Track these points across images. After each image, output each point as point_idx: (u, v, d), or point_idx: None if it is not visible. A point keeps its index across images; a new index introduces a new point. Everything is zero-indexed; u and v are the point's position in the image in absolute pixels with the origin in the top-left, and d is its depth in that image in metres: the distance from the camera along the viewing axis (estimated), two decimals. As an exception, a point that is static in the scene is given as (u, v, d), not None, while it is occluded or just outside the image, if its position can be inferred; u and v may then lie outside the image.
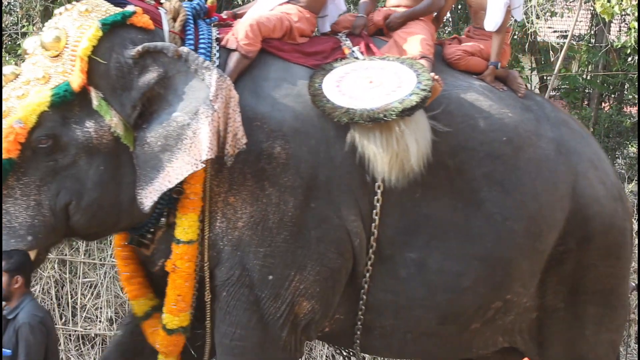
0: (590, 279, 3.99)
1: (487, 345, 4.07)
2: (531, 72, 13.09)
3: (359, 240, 3.68)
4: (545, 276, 3.95)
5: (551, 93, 12.10)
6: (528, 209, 3.80)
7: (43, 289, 7.62)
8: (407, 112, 3.51)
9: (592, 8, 11.47)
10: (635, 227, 9.03)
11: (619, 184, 4.22)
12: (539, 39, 12.54)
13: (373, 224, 3.69)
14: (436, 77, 3.70)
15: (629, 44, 9.69)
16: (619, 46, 10.23)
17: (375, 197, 3.66)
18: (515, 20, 10.88)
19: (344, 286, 3.79)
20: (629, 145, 13.50)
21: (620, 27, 12.95)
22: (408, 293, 3.78)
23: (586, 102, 13.51)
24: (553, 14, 11.35)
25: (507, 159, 3.81)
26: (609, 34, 12.16)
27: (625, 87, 13.23)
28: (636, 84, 12.60)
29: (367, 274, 3.75)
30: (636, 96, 13.07)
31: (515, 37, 11.66)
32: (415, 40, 3.97)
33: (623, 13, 10.01)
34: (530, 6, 10.40)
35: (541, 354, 4.11)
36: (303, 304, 3.64)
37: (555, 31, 13.38)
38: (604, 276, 4.02)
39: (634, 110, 13.69)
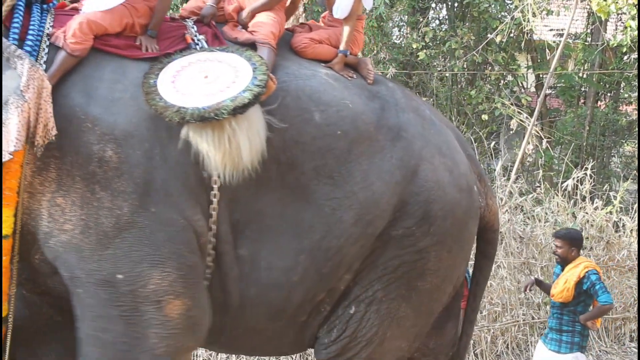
0: (418, 268, 3.87)
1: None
2: (527, 71, 13.08)
3: (205, 238, 3.62)
4: (378, 260, 3.85)
5: (547, 91, 12.11)
6: (358, 198, 3.72)
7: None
8: (239, 110, 3.44)
9: (588, 6, 11.50)
10: (636, 225, 9.09)
11: (470, 177, 4.08)
12: (535, 37, 12.55)
13: (211, 219, 3.61)
14: (271, 75, 3.62)
15: (625, 43, 9.69)
16: (615, 45, 10.24)
17: (212, 193, 3.59)
18: (512, 18, 11.00)
19: None
20: (625, 144, 13.52)
21: (616, 25, 12.96)
22: (241, 292, 3.72)
23: (582, 101, 13.52)
24: (549, 12, 11.36)
25: (339, 153, 3.72)
26: (605, 32, 12.18)
27: (621, 85, 13.24)
28: (632, 82, 12.63)
29: (208, 271, 3.67)
30: (632, 95, 13.10)
31: (512, 35, 11.67)
32: (260, 29, 3.91)
33: (619, 12, 10.02)
34: (527, 4, 10.41)
35: (343, 354, 3.95)
36: (174, 302, 3.53)
37: (551, 29, 13.39)
38: (430, 270, 3.90)
39: (630, 108, 13.71)
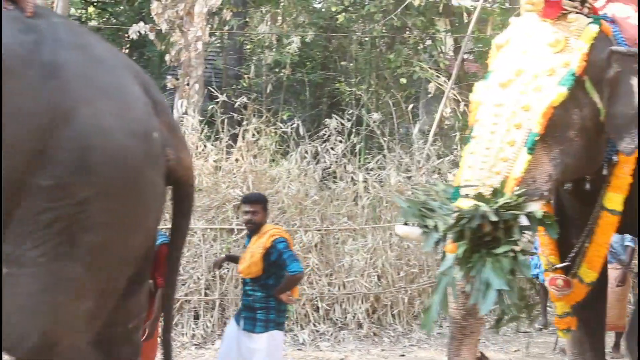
0: (81, 222, 3.54)
1: None
2: (445, 35, 13.16)
3: None
4: (26, 214, 3.51)
5: (465, 55, 12.20)
6: None
7: None
8: None
9: (505, -30, 11.58)
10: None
11: (148, 123, 3.76)
12: (453, 2, 12.61)
13: None
14: None
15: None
16: (531, 8, 10.32)
17: None
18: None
19: None
20: (541, 108, 13.76)
21: (532, -11, 13.11)
22: None
23: (500, 65, 13.66)
24: (467, -25, 11.41)
25: None
26: (522, -4, 12.31)
27: (538, 49, 13.43)
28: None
29: None
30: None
31: (430, -1, 11.71)
32: None
33: (534, -25, 10.12)
34: (444, -33, 10.45)
35: None
36: None
37: (469, -6, 13.49)
38: (97, 223, 3.56)
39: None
